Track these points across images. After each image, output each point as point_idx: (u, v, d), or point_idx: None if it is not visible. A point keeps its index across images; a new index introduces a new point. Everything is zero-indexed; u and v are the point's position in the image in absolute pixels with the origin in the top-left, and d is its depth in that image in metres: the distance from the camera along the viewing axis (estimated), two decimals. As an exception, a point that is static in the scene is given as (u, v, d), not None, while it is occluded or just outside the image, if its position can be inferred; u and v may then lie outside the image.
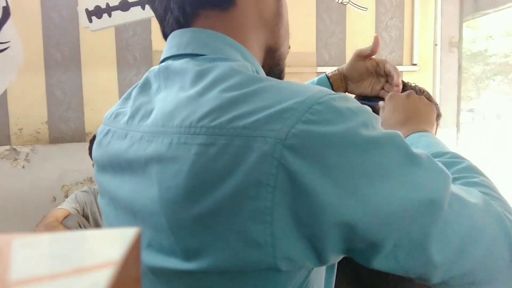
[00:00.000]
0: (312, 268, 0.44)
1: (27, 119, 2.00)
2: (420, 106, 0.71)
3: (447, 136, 2.29)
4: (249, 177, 0.36)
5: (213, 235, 0.38)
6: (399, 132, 0.41)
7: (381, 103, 0.77)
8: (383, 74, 0.82)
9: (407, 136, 0.66)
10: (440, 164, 0.43)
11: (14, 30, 1.92)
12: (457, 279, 0.42)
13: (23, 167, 1.98)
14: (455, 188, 0.44)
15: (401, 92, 0.80)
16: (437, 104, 0.86)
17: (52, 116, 2.03)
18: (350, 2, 2.27)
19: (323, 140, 0.36)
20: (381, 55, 2.28)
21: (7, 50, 1.92)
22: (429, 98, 0.84)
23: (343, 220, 0.36)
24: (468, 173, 0.53)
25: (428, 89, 0.88)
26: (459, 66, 2.40)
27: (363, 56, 0.82)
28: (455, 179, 0.53)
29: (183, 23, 0.49)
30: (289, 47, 0.58)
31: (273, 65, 0.56)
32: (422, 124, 0.68)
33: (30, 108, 1.99)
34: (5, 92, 1.95)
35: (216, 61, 0.45)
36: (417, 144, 0.63)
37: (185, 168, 0.38)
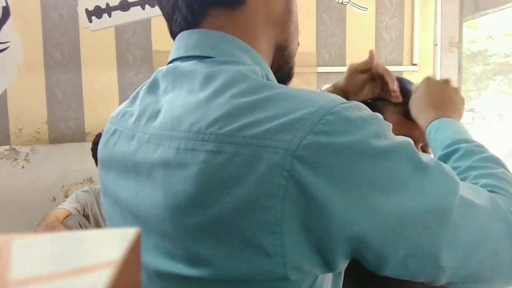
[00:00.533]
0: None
1: (27, 119, 2.00)
2: (454, 96, 0.71)
3: (447, 136, 2.29)
4: (258, 188, 0.35)
5: (219, 243, 0.38)
6: (409, 139, 0.41)
7: (414, 86, 0.78)
8: (378, 78, 0.83)
9: (437, 119, 0.66)
10: (448, 170, 0.43)
11: (14, 30, 1.92)
12: (463, 278, 0.43)
13: (23, 167, 1.98)
14: (464, 189, 0.43)
15: (400, 94, 0.80)
16: None
17: (52, 116, 2.03)
18: (350, 2, 2.27)
19: (335, 151, 0.35)
20: (381, 55, 2.28)
21: (7, 50, 1.92)
22: None
23: (353, 232, 0.36)
24: (490, 163, 0.54)
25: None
26: (459, 66, 2.40)
27: (359, 71, 0.82)
28: (478, 167, 0.54)
29: (191, 22, 0.48)
30: (298, 44, 0.57)
31: (283, 63, 0.55)
32: (453, 112, 0.68)
33: (30, 108, 1.99)
34: (5, 92, 1.95)
35: (224, 64, 0.44)
36: (447, 127, 0.64)
37: (192, 174, 0.37)
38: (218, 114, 0.38)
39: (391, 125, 0.42)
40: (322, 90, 0.86)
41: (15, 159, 1.97)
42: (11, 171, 1.96)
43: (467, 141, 0.59)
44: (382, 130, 0.39)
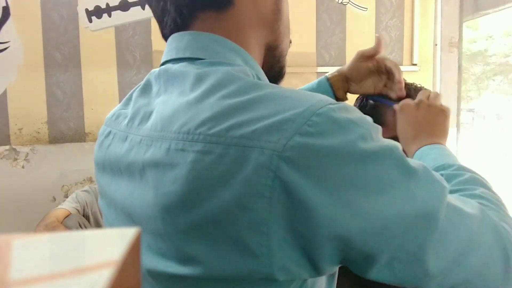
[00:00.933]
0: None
1: (27, 119, 2.00)
2: (430, 116, 0.71)
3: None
4: (245, 188, 0.36)
5: (208, 243, 0.38)
6: (397, 143, 0.41)
7: (396, 106, 0.78)
8: (384, 72, 0.82)
9: (419, 149, 0.67)
10: (437, 175, 0.43)
11: (14, 30, 1.92)
12: (452, 287, 0.43)
13: (23, 167, 1.98)
14: (452, 198, 0.44)
15: (404, 89, 0.80)
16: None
17: (52, 116, 2.03)
18: (350, 2, 2.27)
19: (321, 153, 0.36)
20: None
21: (7, 50, 1.92)
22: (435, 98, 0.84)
23: (338, 234, 0.37)
24: (470, 185, 0.54)
25: (428, 89, 0.88)
26: (459, 66, 2.40)
27: (365, 57, 0.81)
28: (456, 191, 0.54)
29: (180, 24, 0.48)
30: (291, 42, 0.57)
31: (274, 62, 0.55)
32: (433, 135, 0.69)
33: (30, 108, 1.99)
34: (5, 92, 1.95)
35: (215, 65, 0.45)
36: (427, 156, 0.64)
37: (182, 175, 0.38)
38: (208, 115, 0.39)
39: (380, 128, 0.42)
40: (327, 75, 0.85)
41: (15, 159, 1.97)
42: (11, 171, 1.96)
43: (447, 166, 0.59)
44: (369, 133, 0.39)
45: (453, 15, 2.38)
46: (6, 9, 1.90)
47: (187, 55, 0.47)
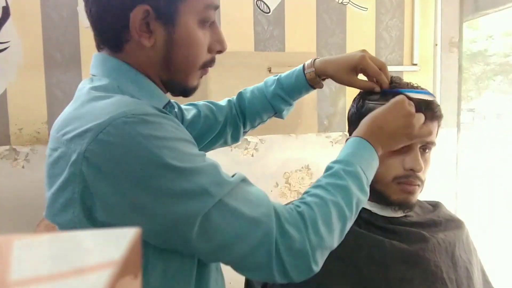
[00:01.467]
0: None
1: (27, 119, 2.00)
2: (397, 131, 0.74)
3: (448, 136, 2.29)
4: (68, 174, 0.54)
5: (57, 209, 0.58)
6: (164, 162, 0.53)
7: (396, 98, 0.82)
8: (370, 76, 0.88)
9: (356, 136, 0.73)
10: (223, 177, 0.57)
11: (14, 30, 1.92)
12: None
13: (23, 167, 1.98)
14: (236, 198, 0.57)
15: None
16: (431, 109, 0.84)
17: (52, 116, 2.03)
18: (350, 2, 2.27)
19: (107, 155, 0.53)
20: (381, 55, 2.28)
21: (7, 50, 1.92)
22: (430, 104, 0.83)
23: (113, 217, 0.55)
24: (335, 191, 0.64)
25: (428, 89, 0.88)
26: (459, 66, 2.40)
27: (350, 69, 0.89)
28: (321, 187, 0.65)
29: (96, 46, 0.80)
30: (205, 71, 0.73)
31: (174, 88, 0.74)
32: (378, 141, 0.73)
33: (30, 108, 1.99)
34: (4, 92, 1.95)
35: (90, 83, 0.70)
36: (349, 147, 0.72)
37: (47, 163, 0.59)
38: (60, 122, 0.60)
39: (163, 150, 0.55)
40: (305, 73, 0.98)
41: (15, 159, 1.97)
42: (11, 171, 1.96)
43: (342, 162, 0.68)
44: (152, 144, 0.53)
45: (453, 15, 2.38)
46: (6, 9, 1.90)
47: (91, 72, 0.71)
